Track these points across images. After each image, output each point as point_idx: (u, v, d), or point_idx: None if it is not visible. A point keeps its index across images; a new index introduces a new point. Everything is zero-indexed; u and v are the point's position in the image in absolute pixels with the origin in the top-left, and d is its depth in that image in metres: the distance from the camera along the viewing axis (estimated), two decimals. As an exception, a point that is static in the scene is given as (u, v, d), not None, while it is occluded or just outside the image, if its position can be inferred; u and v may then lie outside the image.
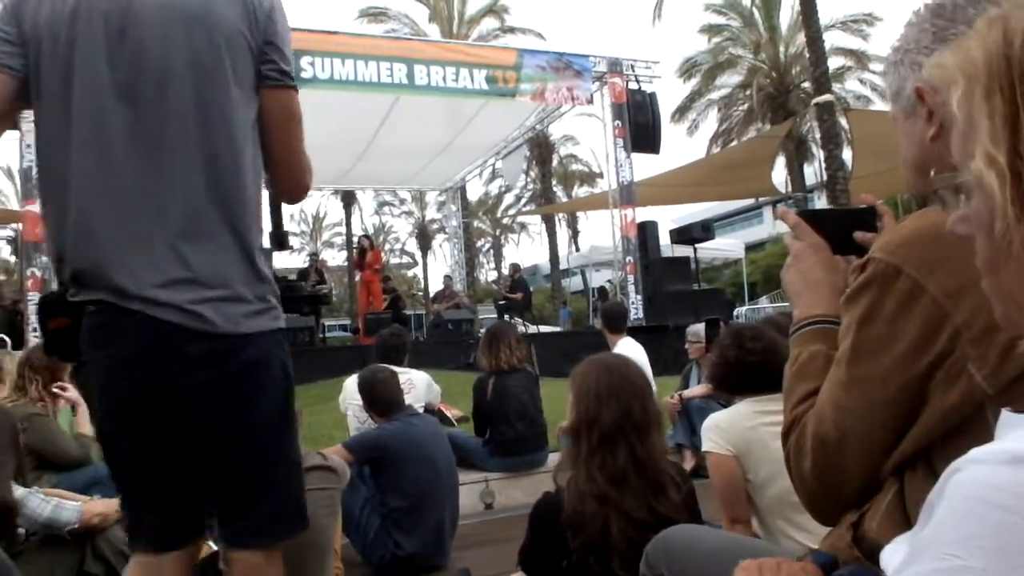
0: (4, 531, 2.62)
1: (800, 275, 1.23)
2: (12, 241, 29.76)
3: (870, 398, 0.98)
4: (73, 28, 1.60)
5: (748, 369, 2.57)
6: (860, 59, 27.15)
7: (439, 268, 42.24)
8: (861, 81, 27.49)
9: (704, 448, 2.54)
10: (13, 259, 31.01)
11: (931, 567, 0.57)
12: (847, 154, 16.76)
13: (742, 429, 2.47)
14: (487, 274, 48.27)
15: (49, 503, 2.83)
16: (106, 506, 3.12)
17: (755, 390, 2.56)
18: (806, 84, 25.19)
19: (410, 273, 48.92)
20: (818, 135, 21.74)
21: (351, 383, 4.41)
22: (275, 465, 1.75)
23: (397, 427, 3.66)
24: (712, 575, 0.96)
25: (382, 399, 3.80)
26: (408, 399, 4.20)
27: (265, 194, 1.86)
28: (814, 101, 15.88)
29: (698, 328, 5.84)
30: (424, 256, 46.24)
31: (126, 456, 1.71)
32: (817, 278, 1.20)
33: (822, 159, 21.03)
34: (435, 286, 32.81)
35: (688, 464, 5.48)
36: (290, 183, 1.86)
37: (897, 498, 0.94)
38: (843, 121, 18.22)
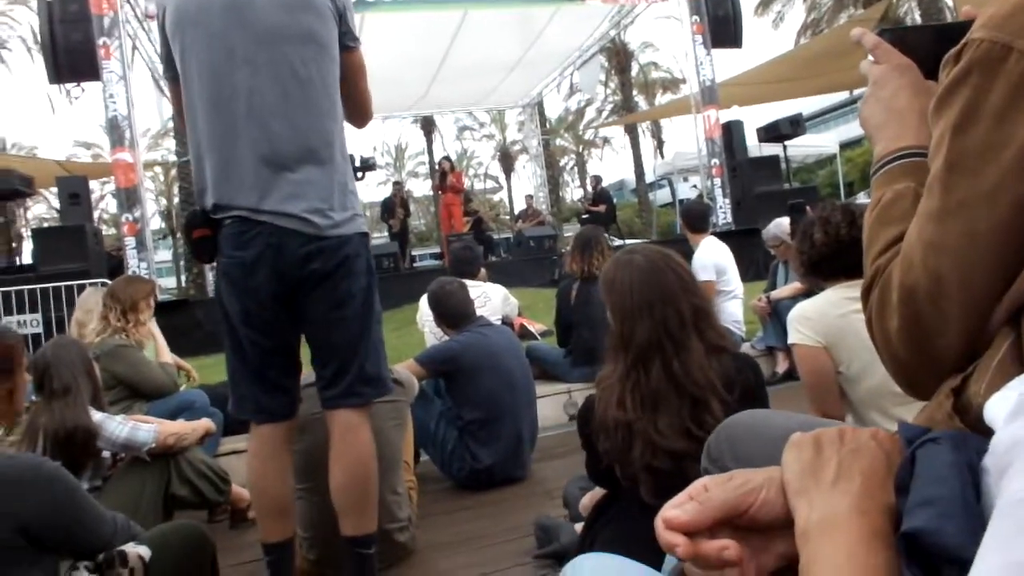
0: (87, 454, 2.68)
1: (881, 104, 0.96)
2: (115, 194, 31.06)
3: (972, 226, 0.74)
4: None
5: (838, 251, 2.34)
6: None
7: (523, 190, 41.91)
8: (966, -49, 25.26)
9: (790, 340, 2.39)
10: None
11: None
12: (951, 34, 15.54)
13: (832, 317, 2.28)
14: (572, 192, 47.73)
15: (126, 425, 2.87)
16: (180, 427, 3.17)
17: (848, 274, 2.33)
18: (903, -39, 23.38)
19: (495, 197, 48.74)
20: (918, 15, 20.21)
21: (425, 300, 4.34)
22: (362, 340, 2.18)
23: (468, 338, 3.59)
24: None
25: (451, 311, 3.71)
26: (484, 312, 4.11)
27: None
28: (913, -25, 14.70)
29: (783, 225, 5.48)
30: (508, 179, 46.00)
31: (247, 341, 2.13)
32: (902, 105, 0.94)
33: (923, 41, 19.54)
34: (519, 208, 32.73)
35: (781, 367, 5.25)
36: (360, 117, 2.43)
37: (1013, 352, 0.71)
38: (946, -3, 16.88)
